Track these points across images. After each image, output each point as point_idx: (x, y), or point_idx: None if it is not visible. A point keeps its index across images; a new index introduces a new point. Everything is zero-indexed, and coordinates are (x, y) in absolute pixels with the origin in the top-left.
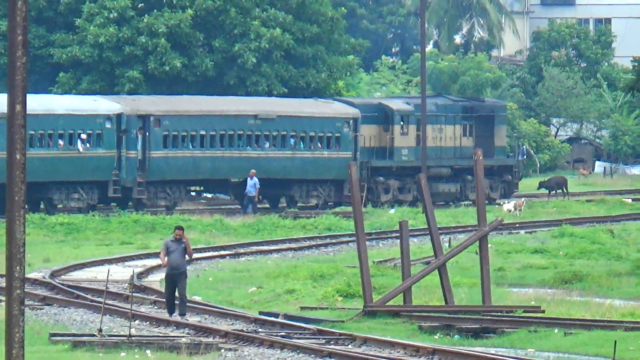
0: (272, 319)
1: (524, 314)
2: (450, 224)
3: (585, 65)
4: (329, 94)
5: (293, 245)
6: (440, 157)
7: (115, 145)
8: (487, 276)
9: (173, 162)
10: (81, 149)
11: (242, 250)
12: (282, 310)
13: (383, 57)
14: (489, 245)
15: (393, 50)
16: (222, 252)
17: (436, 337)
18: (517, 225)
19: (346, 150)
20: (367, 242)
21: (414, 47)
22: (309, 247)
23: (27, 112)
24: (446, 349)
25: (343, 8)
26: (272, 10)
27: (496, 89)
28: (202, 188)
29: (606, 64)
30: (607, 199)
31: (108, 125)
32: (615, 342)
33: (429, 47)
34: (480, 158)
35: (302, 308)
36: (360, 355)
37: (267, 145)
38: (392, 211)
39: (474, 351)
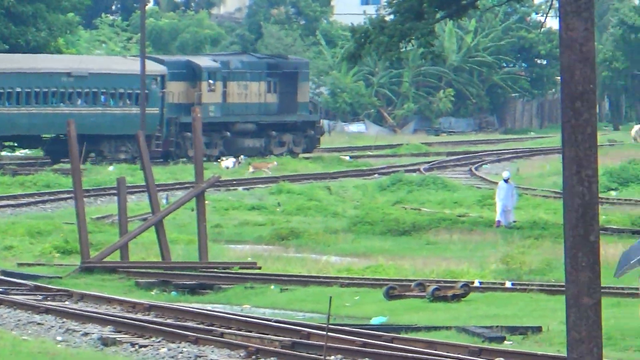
0: None
1: (240, 271)
2: (169, 181)
3: (304, 22)
4: (49, 51)
5: (11, 202)
6: (246, 113)
7: None
8: (203, 233)
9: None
10: None
11: None
12: None
13: (103, 14)
14: (207, 202)
15: (113, 8)
16: None
17: (153, 293)
18: (235, 182)
19: (154, 106)
20: (85, 199)
21: (134, 5)
22: (27, 204)
23: None
24: (162, 305)
25: None
26: None
27: (216, 45)
28: (15, 144)
29: (325, 21)
30: (324, 157)
31: None
32: (331, 297)
33: (150, 5)
34: (198, 115)
35: (20, 264)
36: (77, 311)
37: (79, 102)
38: (111, 168)
39: (189, 307)
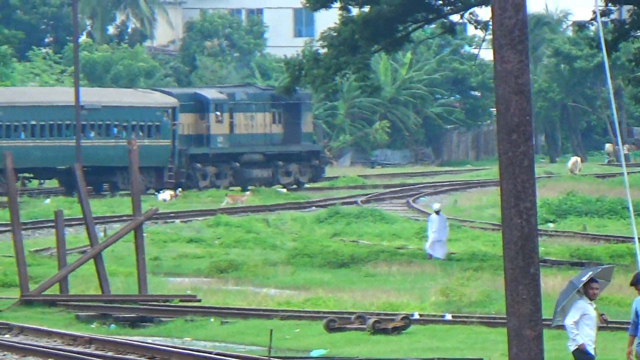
0: None
1: (180, 303)
2: (106, 214)
3: (238, 54)
4: None
5: None
6: (252, 143)
7: None
8: (142, 265)
9: (4, 151)
10: None
11: None
12: None
13: (35, 47)
14: (145, 234)
15: (47, 40)
16: None
17: (93, 326)
18: (172, 214)
19: (166, 138)
20: (23, 232)
21: (67, 37)
22: None
23: None
24: (103, 338)
25: None
26: None
27: (150, 78)
28: (31, 175)
29: (259, 53)
30: (262, 189)
31: None
32: (272, 330)
33: (83, 37)
34: (135, 148)
35: None
36: (17, 344)
37: (92, 134)
38: (47, 201)
39: (130, 340)
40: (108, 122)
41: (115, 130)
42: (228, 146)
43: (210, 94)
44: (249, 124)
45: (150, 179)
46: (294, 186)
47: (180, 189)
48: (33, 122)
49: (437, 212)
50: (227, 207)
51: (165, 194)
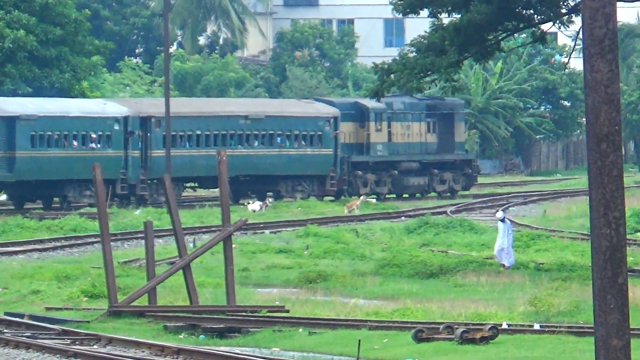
0: (17, 319)
1: (268, 314)
2: (195, 224)
3: (328, 65)
4: (74, 93)
5: (38, 246)
6: (409, 152)
7: (122, 145)
8: (231, 276)
9: (171, 160)
10: None
11: None
12: (27, 311)
13: (126, 58)
14: (234, 245)
15: (137, 51)
16: None
17: (181, 336)
18: (262, 225)
19: (328, 147)
20: (112, 243)
21: (158, 48)
22: (54, 248)
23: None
24: (191, 349)
25: (87, 10)
26: (16, 12)
27: (240, 88)
28: (196, 184)
29: (349, 63)
30: (347, 199)
31: (116, 127)
32: (360, 341)
33: (174, 48)
34: (224, 159)
35: (48, 309)
36: (105, 355)
37: (256, 143)
38: (137, 212)
39: (218, 350)
40: (272, 132)
41: (280, 139)
42: (387, 154)
43: (370, 103)
44: (405, 133)
45: (313, 187)
46: (448, 194)
47: (269, 199)
48: (198, 132)
49: (502, 220)
50: (350, 215)
51: (255, 205)
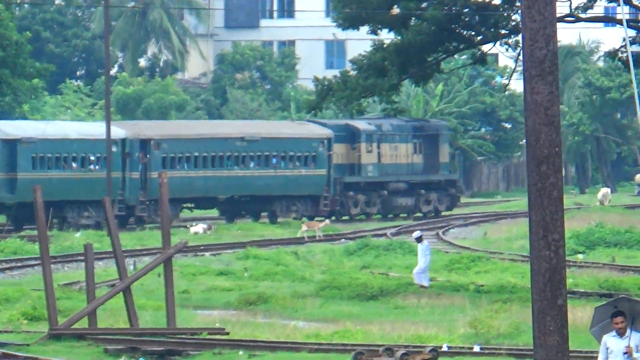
0: None
1: (208, 336)
2: (136, 247)
3: (269, 87)
4: (15, 116)
5: None
6: (397, 173)
7: (120, 167)
8: (171, 298)
9: (170, 182)
10: None
11: None
12: None
13: (67, 80)
14: (174, 267)
15: (78, 73)
16: None
17: (121, 359)
18: (202, 247)
19: (322, 167)
20: (52, 265)
21: (99, 70)
22: None
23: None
24: None
25: (28, 32)
26: None
27: (181, 111)
28: (193, 205)
29: (290, 85)
30: (290, 222)
31: (114, 149)
32: None
33: (115, 70)
34: (165, 181)
35: None
36: None
37: (252, 164)
38: (78, 234)
39: None
40: (267, 153)
41: (275, 160)
42: (377, 175)
43: (361, 125)
44: (393, 154)
45: (307, 207)
46: (432, 214)
47: (214, 223)
48: (196, 154)
49: (419, 240)
50: (304, 235)
51: (198, 227)
